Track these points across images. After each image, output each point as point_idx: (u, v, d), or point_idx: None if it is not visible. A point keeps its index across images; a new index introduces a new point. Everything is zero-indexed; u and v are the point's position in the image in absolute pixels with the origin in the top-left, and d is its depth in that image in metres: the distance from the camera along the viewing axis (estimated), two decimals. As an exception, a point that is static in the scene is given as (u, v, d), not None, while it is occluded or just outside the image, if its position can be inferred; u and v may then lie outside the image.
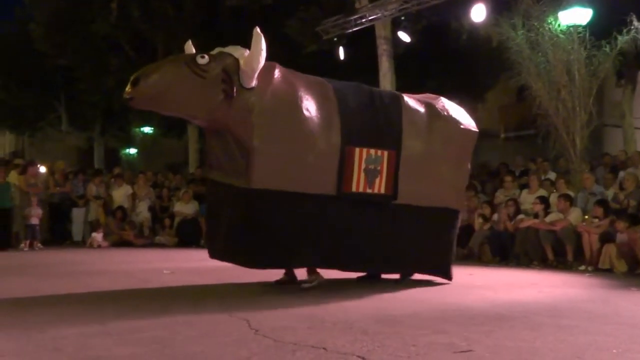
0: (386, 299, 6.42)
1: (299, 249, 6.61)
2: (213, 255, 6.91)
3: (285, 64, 6.91)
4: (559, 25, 12.24)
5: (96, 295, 6.47)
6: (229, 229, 6.55)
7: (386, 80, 15.34)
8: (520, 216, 11.00)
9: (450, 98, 8.12)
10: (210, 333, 4.42)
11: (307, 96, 6.69)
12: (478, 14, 12.72)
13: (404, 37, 14.43)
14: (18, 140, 37.43)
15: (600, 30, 12.15)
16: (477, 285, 7.84)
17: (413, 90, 19.39)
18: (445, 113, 7.66)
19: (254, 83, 6.37)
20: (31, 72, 23.56)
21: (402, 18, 14.26)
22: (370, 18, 14.63)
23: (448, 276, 7.74)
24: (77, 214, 14.81)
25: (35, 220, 13.43)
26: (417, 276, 7.80)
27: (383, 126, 7.12)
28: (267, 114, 6.41)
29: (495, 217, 11.37)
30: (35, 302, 5.88)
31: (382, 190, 7.02)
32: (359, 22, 14.71)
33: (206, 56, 6.30)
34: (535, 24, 12.36)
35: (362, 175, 6.86)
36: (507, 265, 10.57)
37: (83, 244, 13.97)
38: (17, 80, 23.17)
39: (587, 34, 12.06)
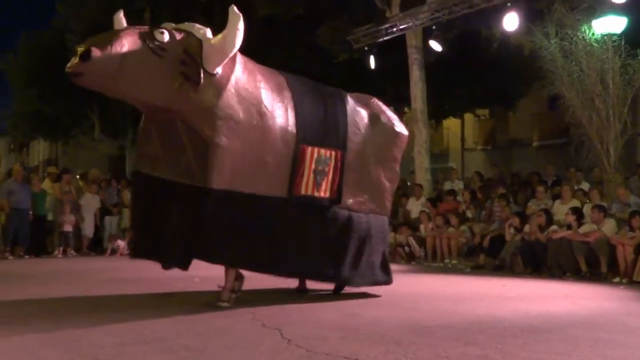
0: (418, 309, 6.39)
1: (243, 250, 6.00)
2: (144, 254, 6.14)
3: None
4: (592, 33, 12.09)
5: (129, 302, 6.53)
6: (178, 230, 5.80)
7: (417, 88, 15.31)
8: (553, 227, 10.86)
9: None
10: (243, 342, 4.44)
11: (267, 88, 6.14)
12: (510, 23, 12.62)
13: (435, 46, 14.38)
14: (52, 148, 38.11)
15: (635, 39, 11.98)
16: (509, 296, 7.75)
17: (444, 98, 19.59)
18: (383, 115, 7.32)
19: (219, 70, 5.68)
20: (66, 81, 23.91)
21: (433, 27, 14.21)
22: (401, 27, 14.60)
23: (388, 280, 7.36)
24: (110, 222, 14.92)
25: (68, 228, 13.61)
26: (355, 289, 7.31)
27: (331, 124, 6.64)
28: (232, 107, 5.77)
29: (527, 227, 11.26)
30: (71, 309, 5.96)
31: (328, 194, 6.57)
32: (390, 31, 14.69)
33: (166, 32, 5.56)
34: (569, 32, 12.22)
35: (312, 176, 6.38)
36: (540, 276, 10.43)
37: (112, 252, 14.03)
38: (53, 90, 23.53)
39: (622, 43, 11.91)
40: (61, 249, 13.51)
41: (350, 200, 6.83)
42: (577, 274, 10.15)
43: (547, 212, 11.15)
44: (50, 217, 13.86)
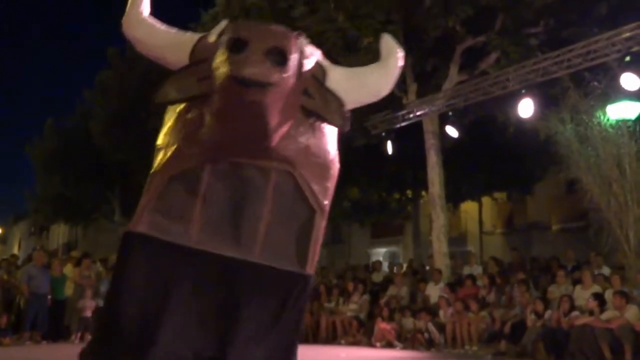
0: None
1: None
2: None
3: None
4: (607, 119, 12.24)
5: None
6: (246, 339, 4.24)
7: (434, 172, 15.43)
8: (575, 313, 10.72)
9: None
10: None
11: None
12: (525, 109, 12.81)
13: (452, 131, 14.59)
14: (72, 231, 38.43)
15: (650, 124, 12.11)
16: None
17: (462, 182, 19.68)
18: None
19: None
20: (89, 166, 24.43)
21: (449, 113, 14.45)
22: (417, 113, 14.85)
23: None
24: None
25: (88, 313, 13.60)
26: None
27: None
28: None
29: (548, 313, 11.11)
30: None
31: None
32: (406, 117, 14.94)
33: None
34: (584, 117, 12.38)
35: None
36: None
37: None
38: (75, 173, 24.00)
39: (637, 128, 12.03)
40: (79, 334, 13.45)
41: None
42: (603, 361, 9.95)
43: (570, 299, 11.03)
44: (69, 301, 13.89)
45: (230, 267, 4.23)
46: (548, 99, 13.03)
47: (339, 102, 4.27)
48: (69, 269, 14.37)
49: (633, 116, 12.06)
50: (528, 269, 14.51)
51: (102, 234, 31.05)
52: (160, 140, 4.58)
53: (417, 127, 15.60)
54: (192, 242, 4.22)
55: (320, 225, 4.39)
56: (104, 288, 14.25)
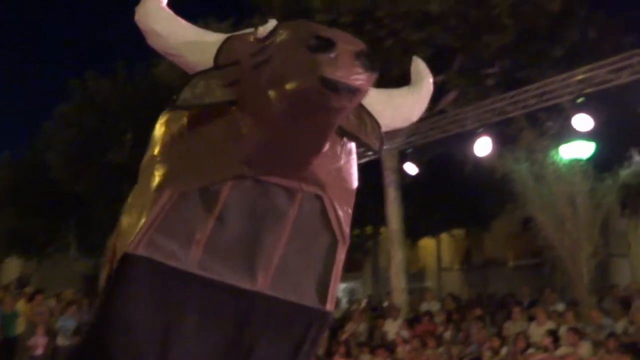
0: None
1: None
2: None
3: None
4: (561, 158, 12.55)
5: None
6: None
7: (393, 208, 15.59)
8: (530, 350, 10.84)
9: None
10: None
11: None
12: (482, 147, 13.04)
13: (411, 168, 14.76)
14: (25, 265, 37.55)
15: (603, 163, 12.45)
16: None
17: (421, 218, 19.84)
18: None
19: None
20: (44, 199, 24.05)
21: (408, 150, 14.64)
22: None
23: None
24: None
25: (40, 351, 13.25)
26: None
27: None
28: None
29: (504, 350, 11.20)
30: None
31: None
32: (366, 154, 15.01)
33: None
34: (539, 157, 12.68)
35: None
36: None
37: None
38: (29, 207, 23.58)
39: (590, 167, 12.33)
40: (29, 373, 13.09)
41: None
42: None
43: (525, 336, 11.16)
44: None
45: (243, 299, 3.68)
46: (504, 138, 13.30)
47: (376, 124, 3.81)
48: (21, 305, 14.04)
49: (586, 156, 12.37)
50: (485, 305, 14.65)
51: (57, 269, 30.42)
52: (156, 152, 3.94)
53: (377, 164, 15.74)
54: (200, 269, 3.62)
55: (342, 256, 3.91)
56: (59, 324, 13.99)
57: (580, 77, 11.55)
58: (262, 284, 3.69)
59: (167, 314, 3.57)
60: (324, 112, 3.21)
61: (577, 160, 12.42)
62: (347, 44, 3.07)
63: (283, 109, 3.24)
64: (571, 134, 12.23)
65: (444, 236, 26.10)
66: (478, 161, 14.41)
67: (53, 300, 15.22)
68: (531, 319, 12.15)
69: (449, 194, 19.19)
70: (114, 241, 4.19)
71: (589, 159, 12.43)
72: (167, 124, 3.97)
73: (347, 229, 3.90)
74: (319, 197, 3.78)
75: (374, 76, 3.13)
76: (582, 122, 11.47)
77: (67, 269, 29.42)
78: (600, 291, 13.29)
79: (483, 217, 21.25)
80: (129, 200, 4.13)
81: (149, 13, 3.75)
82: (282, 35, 3.31)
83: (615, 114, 11.84)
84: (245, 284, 3.67)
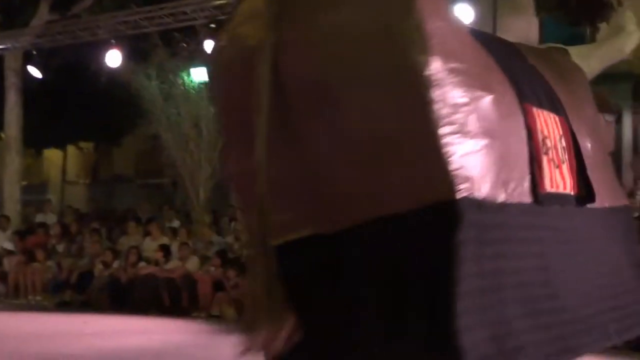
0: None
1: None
2: None
3: None
4: (191, 80, 12.83)
5: None
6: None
7: (13, 114, 14.55)
8: (142, 264, 11.09)
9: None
10: None
11: None
12: (113, 59, 12.70)
13: (35, 72, 13.80)
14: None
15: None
16: (87, 333, 7.67)
17: (46, 127, 18.80)
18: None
19: None
20: None
21: (34, 52, 13.63)
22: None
23: None
24: None
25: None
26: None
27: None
28: None
29: (116, 263, 11.31)
30: None
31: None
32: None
33: None
34: (170, 76, 12.80)
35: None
36: (124, 312, 10.44)
37: None
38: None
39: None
40: None
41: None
42: (161, 309, 10.46)
43: (137, 250, 11.36)
44: None
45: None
46: (137, 53, 13.12)
47: None
48: None
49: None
50: (104, 219, 14.56)
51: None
52: None
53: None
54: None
55: None
56: None
57: (216, 2, 11.79)
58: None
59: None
60: None
61: (206, 84, 12.79)
62: None
63: None
64: (203, 58, 12.54)
65: (71, 149, 25.12)
66: (112, 74, 14.05)
67: None
68: (147, 234, 12.40)
69: (79, 105, 18.35)
70: None
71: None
72: None
73: None
74: None
75: None
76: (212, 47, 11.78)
77: None
78: (217, 211, 14.04)
79: (113, 132, 20.84)
80: None
81: None
82: None
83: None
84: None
